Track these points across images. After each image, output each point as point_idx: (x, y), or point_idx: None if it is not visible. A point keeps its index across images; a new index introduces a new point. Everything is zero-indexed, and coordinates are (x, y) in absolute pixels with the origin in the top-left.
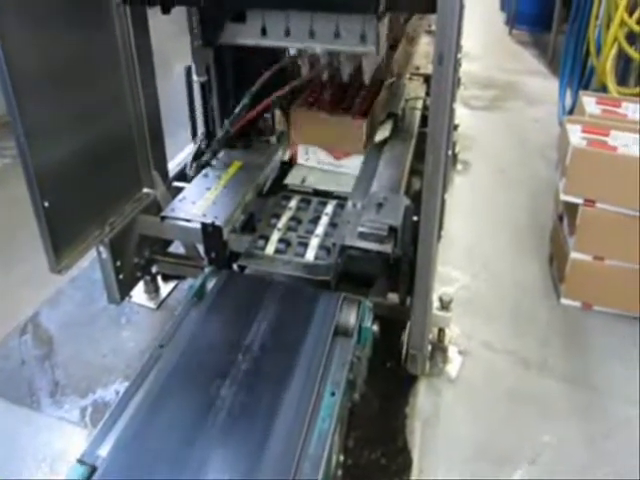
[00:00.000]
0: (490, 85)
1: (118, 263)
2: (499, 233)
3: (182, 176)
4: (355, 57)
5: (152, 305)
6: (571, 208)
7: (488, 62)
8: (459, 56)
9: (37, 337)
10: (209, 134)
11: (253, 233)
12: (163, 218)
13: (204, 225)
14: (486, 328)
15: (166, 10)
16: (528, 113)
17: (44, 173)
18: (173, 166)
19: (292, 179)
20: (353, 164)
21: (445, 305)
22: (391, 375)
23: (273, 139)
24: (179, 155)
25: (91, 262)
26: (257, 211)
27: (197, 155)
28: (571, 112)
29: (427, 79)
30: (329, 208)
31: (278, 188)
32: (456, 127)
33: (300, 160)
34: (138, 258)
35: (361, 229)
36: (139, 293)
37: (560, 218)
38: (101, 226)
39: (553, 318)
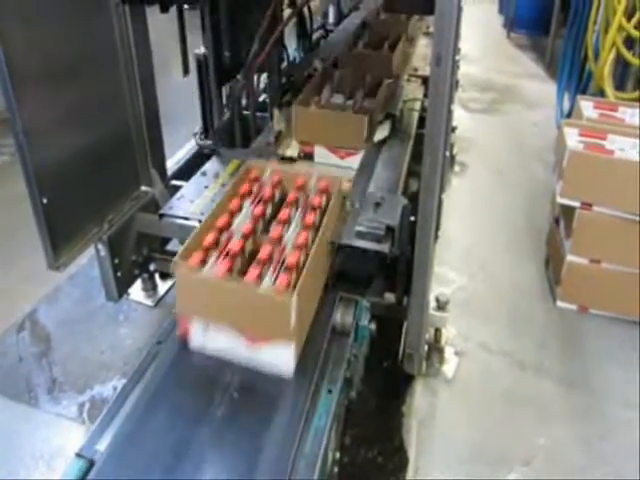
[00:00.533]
0: (488, 88)
1: (116, 261)
2: (496, 235)
3: (180, 174)
4: None
5: (150, 303)
6: (568, 211)
7: (486, 65)
8: (457, 58)
9: (35, 334)
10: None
11: None
12: (161, 216)
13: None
14: (483, 329)
15: (165, 9)
16: (526, 116)
17: (43, 170)
18: (171, 164)
19: None
20: (356, 164)
21: (442, 305)
22: (388, 375)
23: (271, 138)
24: (177, 153)
25: (89, 260)
26: None
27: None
28: (569, 116)
29: (425, 81)
30: None
31: None
32: (454, 129)
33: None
34: (136, 256)
35: (358, 228)
36: (137, 291)
37: (557, 221)
38: (99, 224)
39: (549, 321)
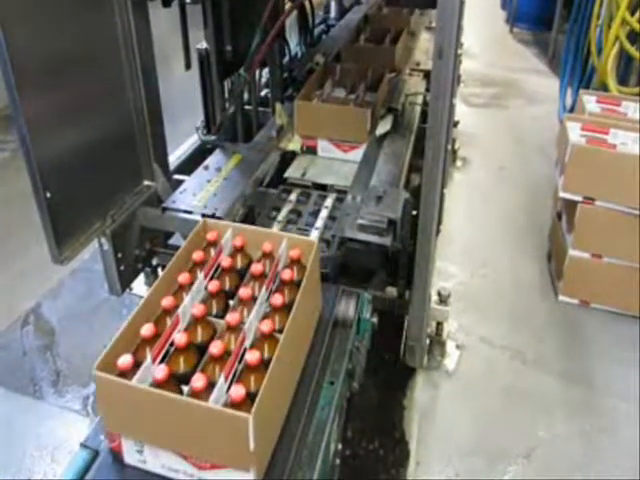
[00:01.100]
0: (490, 83)
1: (119, 255)
2: (498, 230)
3: (183, 168)
4: None
5: None
6: (570, 205)
7: (488, 60)
8: (459, 52)
9: (39, 328)
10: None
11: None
12: (164, 210)
13: (205, 217)
14: (484, 323)
15: (166, 3)
16: (528, 111)
17: (46, 164)
18: (173, 159)
19: (292, 172)
20: (359, 157)
21: (443, 299)
22: (389, 368)
23: (273, 132)
24: (180, 147)
25: (92, 254)
26: (257, 204)
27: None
28: (571, 110)
29: (427, 75)
30: (329, 201)
31: (278, 181)
32: (456, 124)
33: None
34: (139, 250)
35: (360, 221)
36: (140, 285)
37: (559, 215)
38: (102, 218)
39: (551, 315)
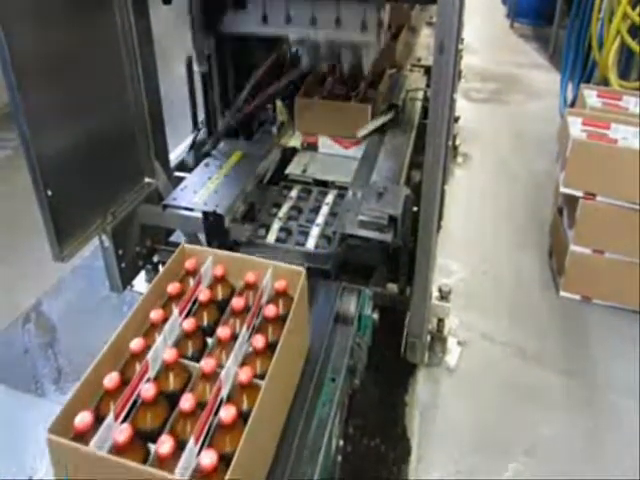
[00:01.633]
0: (491, 78)
1: (120, 252)
2: (499, 226)
3: (183, 166)
4: (356, 47)
5: None
6: (571, 201)
7: (489, 55)
8: (460, 47)
9: (40, 325)
10: (209, 124)
11: (254, 222)
12: (165, 207)
13: (205, 213)
14: (485, 320)
15: (167, 0)
16: (529, 106)
17: (47, 162)
18: (174, 156)
19: (293, 169)
20: (360, 153)
21: (444, 295)
22: (391, 364)
23: (274, 129)
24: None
25: (93, 251)
26: (258, 201)
27: (197, 146)
28: (572, 105)
29: (428, 70)
30: (329, 198)
31: (279, 178)
32: (457, 119)
33: None
34: (140, 247)
35: (361, 218)
36: (141, 282)
37: (560, 211)
38: (103, 215)
39: (552, 311)
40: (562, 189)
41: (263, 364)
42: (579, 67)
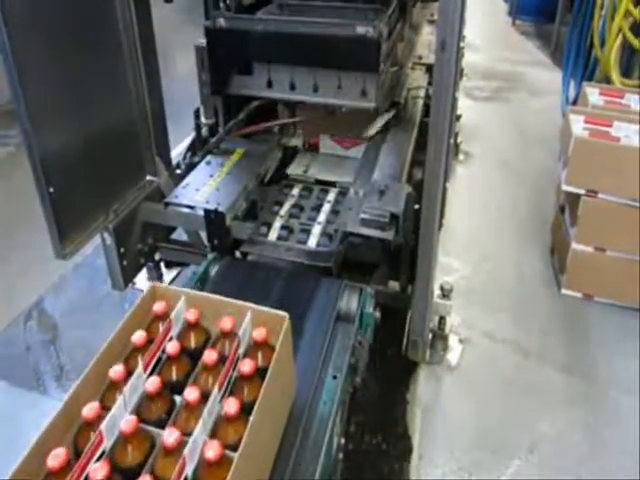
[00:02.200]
0: (493, 76)
1: (122, 250)
2: (501, 224)
3: (185, 164)
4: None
5: None
6: (573, 199)
7: (491, 53)
8: (462, 45)
9: (42, 323)
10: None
11: (255, 220)
12: (167, 204)
13: (207, 211)
14: (487, 318)
15: None
16: (531, 104)
17: (49, 159)
18: (176, 154)
19: (294, 169)
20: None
21: (446, 293)
22: (392, 362)
23: (276, 128)
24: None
25: (94, 249)
26: (259, 199)
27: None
28: (574, 103)
29: (430, 68)
30: (331, 196)
31: (280, 177)
32: (458, 117)
33: None
34: (142, 245)
35: (363, 216)
36: (142, 280)
37: (562, 209)
38: (105, 213)
39: (554, 308)
40: (564, 187)
41: (236, 432)
42: (581, 65)
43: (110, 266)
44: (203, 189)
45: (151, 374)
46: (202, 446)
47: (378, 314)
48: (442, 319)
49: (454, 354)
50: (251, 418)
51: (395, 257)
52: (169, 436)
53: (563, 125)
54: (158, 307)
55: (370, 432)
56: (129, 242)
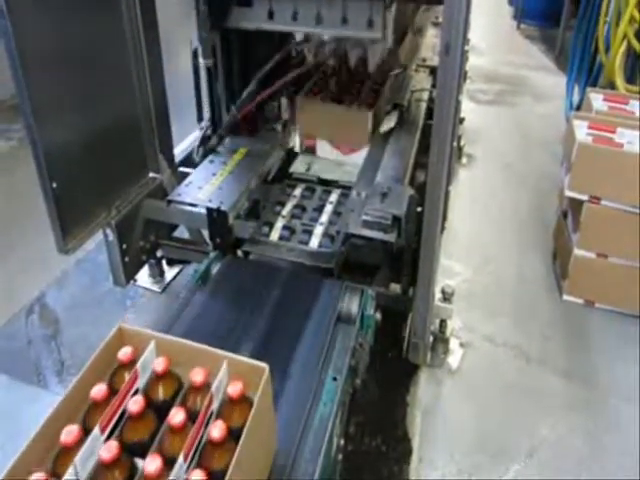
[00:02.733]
0: (497, 79)
1: (124, 246)
2: (503, 228)
3: (188, 161)
4: (361, 45)
5: (157, 289)
6: (576, 204)
7: (495, 56)
8: (466, 48)
9: (43, 318)
10: (214, 119)
11: (257, 220)
12: (169, 202)
13: (209, 210)
14: (488, 322)
15: None
16: (535, 108)
17: (52, 155)
18: (179, 151)
19: (297, 167)
20: (360, 159)
21: (447, 297)
22: (392, 365)
23: (279, 127)
24: (185, 141)
25: (96, 245)
26: (262, 198)
27: (203, 140)
28: (578, 108)
29: (433, 71)
30: (333, 197)
31: (283, 176)
32: (462, 121)
33: None
34: (144, 242)
35: (365, 218)
36: (144, 276)
37: (564, 214)
38: (107, 209)
39: (555, 314)
40: (567, 192)
41: None
42: (585, 70)
43: (112, 262)
44: (206, 187)
45: (111, 435)
46: None
47: (379, 316)
48: (443, 322)
49: (455, 357)
50: None
51: (397, 259)
52: None
53: (567, 130)
54: (124, 354)
55: (370, 434)
56: (131, 239)
